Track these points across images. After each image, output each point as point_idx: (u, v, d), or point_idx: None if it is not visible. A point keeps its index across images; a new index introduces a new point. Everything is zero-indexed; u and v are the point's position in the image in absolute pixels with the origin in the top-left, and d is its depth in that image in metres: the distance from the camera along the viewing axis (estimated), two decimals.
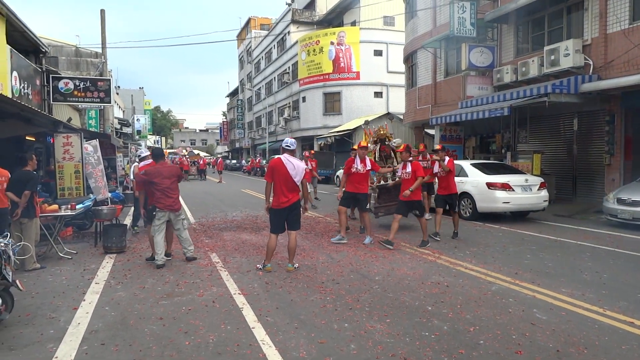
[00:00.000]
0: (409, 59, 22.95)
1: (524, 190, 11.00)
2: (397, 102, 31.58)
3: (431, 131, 23.22)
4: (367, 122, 10.87)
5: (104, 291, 5.63)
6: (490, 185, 10.94)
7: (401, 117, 26.70)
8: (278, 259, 7.11)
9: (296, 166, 6.47)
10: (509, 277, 6.12)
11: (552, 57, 13.25)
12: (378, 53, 34.16)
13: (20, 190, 6.50)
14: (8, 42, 11.84)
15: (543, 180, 11.56)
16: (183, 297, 5.37)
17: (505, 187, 10.84)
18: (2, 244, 4.24)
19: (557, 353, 3.82)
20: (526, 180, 11.13)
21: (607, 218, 10.65)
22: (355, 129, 28.11)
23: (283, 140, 6.94)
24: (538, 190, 11.13)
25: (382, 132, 10.90)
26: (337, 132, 30.39)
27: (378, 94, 34.39)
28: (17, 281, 4.43)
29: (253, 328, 4.39)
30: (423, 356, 3.79)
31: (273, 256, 6.76)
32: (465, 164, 12.20)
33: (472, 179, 11.48)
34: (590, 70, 12.77)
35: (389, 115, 11.03)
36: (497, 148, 17.55)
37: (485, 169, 11.85)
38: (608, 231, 9.79)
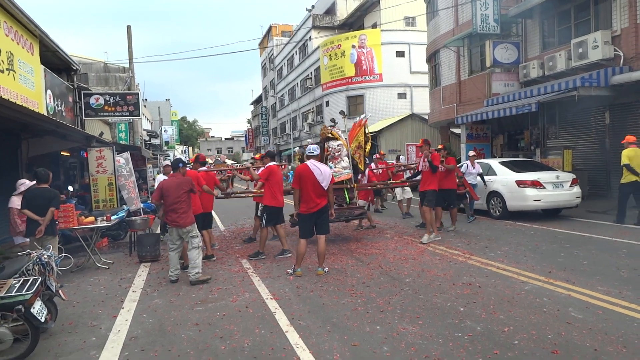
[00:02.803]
0: (432, 59, 22.78)
1: (555, 187, 10.76)
2: (422, 103, 31.35)
3: (457, 130, 22.95)
4: (333, 120, 10.08)
5: (141, 299, 5.80)
6: (520, 183, 10.75)
7: (426, 117, 26.53)
8: (307, 263, 7.16)
9: (323, 171, 6.55)
10: (543, 276, 6.02)
11: (580, 50, 12.96)
12: (400, 54, 33.99)
13: (39, 207, 6.28)
14: (41, 62, 12.34)
15: (575, 177, 11.28)
16: (217, 303, 5.50)
17: (536, 184, 10.63)
18: (46, 256, 4.45)
19: (594, 352, 3.75)
20: (557, 177, 10.89)
21: None
22: (380, 131, 28.05)
23: (307, 146, 6.99)
24: (570, 186, 10.88)
25: (323, 131, 9.69)
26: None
27: (402, 95, 34.19)
28: (60, 291, 4.63)
29: (286, 332, 4.46)
30: (457, 357, 3.78)
31: (302, 261, 6.83)
32: (494, 162, 12.04)
33: (501, 177, 11.31)
34: (621, 62, 12.42)
35: (340, 112, 10.33)
36: (526, 145, 17.22)
37: (515, 166, 11.65)
38: None
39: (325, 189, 6.59)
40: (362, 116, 10.11)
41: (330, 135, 9.30)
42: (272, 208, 7.93)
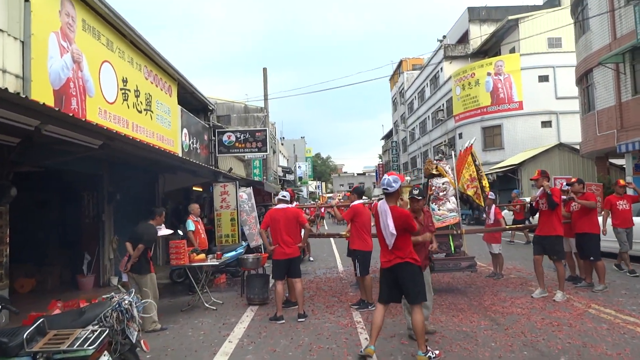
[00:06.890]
0: (583, 80, 19.90)
1: None
2: (570, 131, 27.70)
3: (618, 161, 19.52)
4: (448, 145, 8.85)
5: (234, 353, 5.18)
6: None
7: (577, 146, 23.22)
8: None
9: (387, 225, 4.64)
10: None
11: None
12: (544, 79, 30.77)
13: (136, 243, 6.31)
14: (180, 103, 13.24)
15: None
16: None
17: None
18: (126, 302, 4.08)
19: None
20: None
21: None
22: (521, 164, 25.26)
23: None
24: None
25: (427, 166, 8.19)
26: (500, 168, 27.72)
27: (546, 124, 30.71)
28: (142, 341, 4.20)
29: None
30: None
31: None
32: None
33: None
34: None
35: (447, 143, 8.95)
36: None
37: None
38: None
39: (390, 244, 4.69)
40: (467, 143, 8.66)
41: (435, 171, 7.90)
42: (361, 252, 7.00)
